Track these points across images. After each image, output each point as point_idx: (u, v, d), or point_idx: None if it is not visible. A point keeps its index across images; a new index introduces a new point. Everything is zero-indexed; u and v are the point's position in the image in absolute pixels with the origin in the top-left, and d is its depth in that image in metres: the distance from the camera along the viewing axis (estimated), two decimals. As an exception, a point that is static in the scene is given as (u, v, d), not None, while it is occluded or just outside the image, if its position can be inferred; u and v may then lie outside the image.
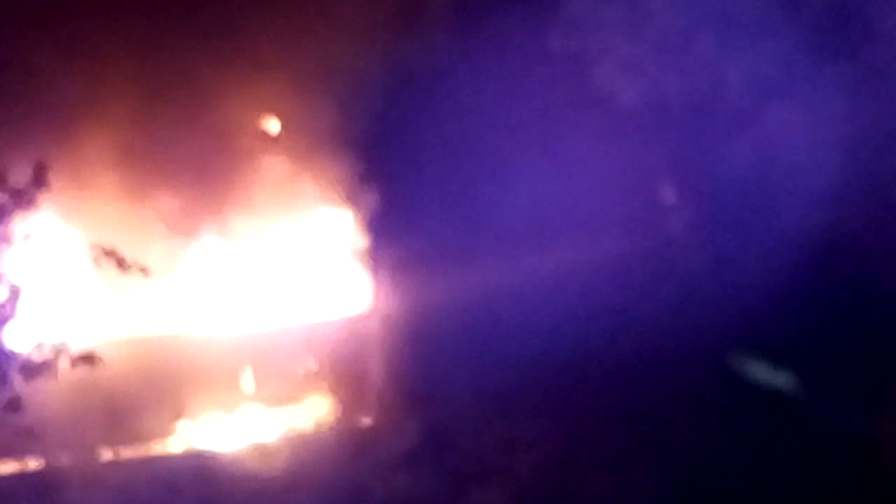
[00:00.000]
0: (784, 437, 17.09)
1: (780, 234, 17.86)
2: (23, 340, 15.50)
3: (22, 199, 15.07)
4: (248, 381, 20.96)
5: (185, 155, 22.01)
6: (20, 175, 15.26)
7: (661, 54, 18.74)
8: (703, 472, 16.54)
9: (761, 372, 17.28)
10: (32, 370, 15.43)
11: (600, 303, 17.83)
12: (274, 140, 23.19)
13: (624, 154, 18.96)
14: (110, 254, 17.90)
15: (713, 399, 17.44)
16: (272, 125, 22.74)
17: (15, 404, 15.85)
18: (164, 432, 19.89)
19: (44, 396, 16.13)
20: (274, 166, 23.11)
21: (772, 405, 17.53)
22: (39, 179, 15.31)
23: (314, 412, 19.88)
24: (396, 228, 20.25)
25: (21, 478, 18.39)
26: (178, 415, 20.14)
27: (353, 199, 21.17)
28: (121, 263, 18.07)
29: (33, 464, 18.60)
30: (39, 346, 15.62)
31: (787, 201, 17.99)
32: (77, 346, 16.40)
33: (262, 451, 18.98)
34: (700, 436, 17.27)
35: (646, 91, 18.58)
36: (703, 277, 18.67)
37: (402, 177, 20.47)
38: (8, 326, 15.36)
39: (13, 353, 15.26)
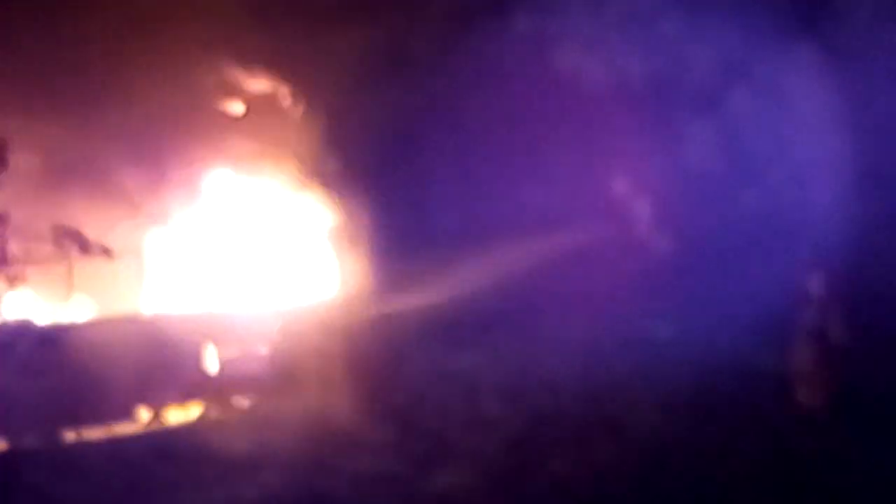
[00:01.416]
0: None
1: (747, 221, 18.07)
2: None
3: None
4: (212, 361, 20.65)
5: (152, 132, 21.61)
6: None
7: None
8: (661, 450, 16.39)
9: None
10: None
11: (559, 288, 17.76)
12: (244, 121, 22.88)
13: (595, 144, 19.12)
14: (75, 235, 17.80)
15: (668, 379, 17.10)
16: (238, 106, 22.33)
17: None
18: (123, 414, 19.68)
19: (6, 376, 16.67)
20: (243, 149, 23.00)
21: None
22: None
23: (277, 392, 19.53)
24: (370, 218, 20.06)
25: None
26: (140, 395, 19.72)
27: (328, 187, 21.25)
28: (83, 246, 17.90)
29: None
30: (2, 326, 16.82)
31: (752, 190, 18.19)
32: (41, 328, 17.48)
33: (225, 428, 18.71)
34: (659, 415, 17.15)
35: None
36: (669, 264, 18.87)
37: (377, 167, 20.48)
38: None
39: None
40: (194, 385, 20.35)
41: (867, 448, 15.43)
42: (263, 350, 20.92)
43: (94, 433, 18.45)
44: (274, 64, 21.04)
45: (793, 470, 15.51)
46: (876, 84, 17.08)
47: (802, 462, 15.51)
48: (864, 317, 16.89)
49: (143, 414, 19.70)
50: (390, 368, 18.58)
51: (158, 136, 21.82)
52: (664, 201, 17.96)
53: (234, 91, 21.69)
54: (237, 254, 23.01)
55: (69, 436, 18.20)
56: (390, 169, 19.13)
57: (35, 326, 17.79)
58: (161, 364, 20.02)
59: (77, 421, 18.37)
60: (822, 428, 16.52)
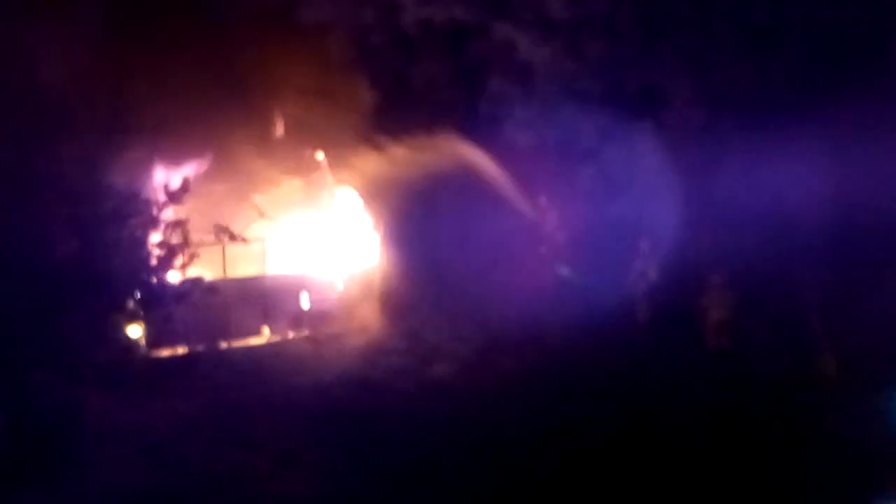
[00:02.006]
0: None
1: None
2: (175, 279, 21.68)
3: (174, 198, 21.23)
4: (305, 302, 28.52)
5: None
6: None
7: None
8: (574, 362, 23.75)
9: None
10: (179, 296, 21.77)
11: (503, 268, 26.43)
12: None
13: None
14: (226, 230, 25.31)
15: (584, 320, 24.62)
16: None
17: (168, 317, 22.01)
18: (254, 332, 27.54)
19: (188, 310, 22.85)
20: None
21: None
22: (185, 187, 21.55)
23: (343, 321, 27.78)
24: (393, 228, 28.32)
25: (173, 358, 24.93)
26: (263, 321, 27.76)
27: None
28: (232, 236, 25.46)
29: (183, 349, 25.29)
30: (183, 282, 22.09)
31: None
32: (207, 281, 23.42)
33: (312, 340, 27.12)
34: (575, 335, 24.48)
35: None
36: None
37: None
38: (168, 273, 21.30)
39: (170, 286, 21.43)
40: (294, 316, 28.38)
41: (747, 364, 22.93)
42: (334, 296, 28.99)
43: (237, 343, 26.39)
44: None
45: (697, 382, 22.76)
46: (696, 150, 24.12)
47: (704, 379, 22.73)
48: (742, 292, 24.41)
49: (266, 332, 27.64)
50: (405, 307, 27.27)
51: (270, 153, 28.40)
52: (566, 214, 26.38)
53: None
54: (320, 239, 29.89)
55: (223, 344, 25.82)
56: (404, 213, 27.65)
57: (203, 281, 22.89)
58: (275, 303, 28.15)
59: (228, 335, 26.16)
60: (720, 356, 24.17)
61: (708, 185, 23.85)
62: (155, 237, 20.97)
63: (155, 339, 24.29)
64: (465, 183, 26.72)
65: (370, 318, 27.24)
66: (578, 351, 24.22)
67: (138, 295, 20.92)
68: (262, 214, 27.63)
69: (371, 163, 27.67)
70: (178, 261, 21.47)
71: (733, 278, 24.56)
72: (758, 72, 22.82)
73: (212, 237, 25.62)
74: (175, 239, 21.40)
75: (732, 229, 23.51)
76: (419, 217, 27.23)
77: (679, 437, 20.58)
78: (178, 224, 21.69)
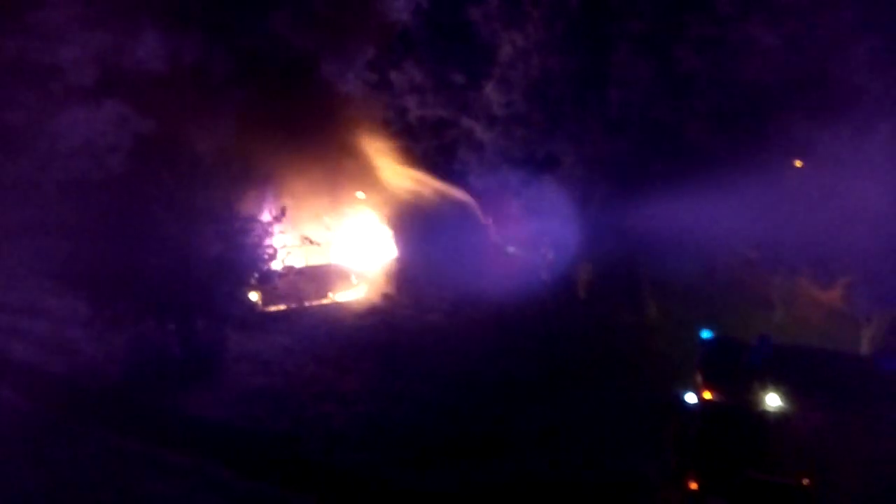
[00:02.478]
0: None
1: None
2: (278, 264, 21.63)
3: (277, 219, 21.16)
4: (354, 279, 27.94)
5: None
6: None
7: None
8: (506, 315, 24.49)
9: None
10: (281, 275, 22.09)
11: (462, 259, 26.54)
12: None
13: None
14: (306, 238, 25.37)
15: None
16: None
17: (274, 288, 22.40)
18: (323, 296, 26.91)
19: (285, 283, 23.07)
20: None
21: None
22: (283, 212, 21.45)
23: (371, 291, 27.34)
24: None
25: (277, 311, 24.83)
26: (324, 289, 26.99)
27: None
28: (310, 241, 25.57)
29: (283, 306, 25.09)
30: (283, 268, 22.32)
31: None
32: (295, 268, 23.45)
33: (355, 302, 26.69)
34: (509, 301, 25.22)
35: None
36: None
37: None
38: (273, 262, 21.33)
39: (275, 270, 21.64)
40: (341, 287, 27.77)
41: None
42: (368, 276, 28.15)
43: (314, 303, 26.27)
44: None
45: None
46: (578, 191, 24.90)
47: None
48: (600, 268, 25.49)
49: (330, 297, 27.02)
50: (410, 282, 27.10)
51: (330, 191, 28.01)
52: (505, 228, 26.86)
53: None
54: (359, 242, 28.99)
55: (306, 303, 25.77)
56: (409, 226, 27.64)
57: (294, 267, 23.09)
58: (332, 280, 27.40)
59: (308, 298, 25.99)
60: (585, 304, 25.19)
61: (584, 212, 24.47)
62: (267, 241, 20.90)
63: (266, 300, 24.26)
64: (446, 208, 27.16)
65: (389, 290, 27.20)
66: (511, 303, 24.90)
67: (257, 275, 21.02)
68: (311, 242, 26.30)
69: (390, 197, 28.06)
70: (280, 255, 21.51)
71: (595, 262, 25.16)
72: (612, 147, 23.02)
73: (298, 242, 25.90)
74: (278, 243, 21.38)
75: (596, 237, 24.15)
76: (419, 228, 27.30)
77: (565, 349, 21.84)
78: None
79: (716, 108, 20.74)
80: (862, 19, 18.72)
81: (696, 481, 14.73)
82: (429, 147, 28.60)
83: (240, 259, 20.31)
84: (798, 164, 20.60)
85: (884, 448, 13.85)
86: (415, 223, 27.17)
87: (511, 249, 26.78)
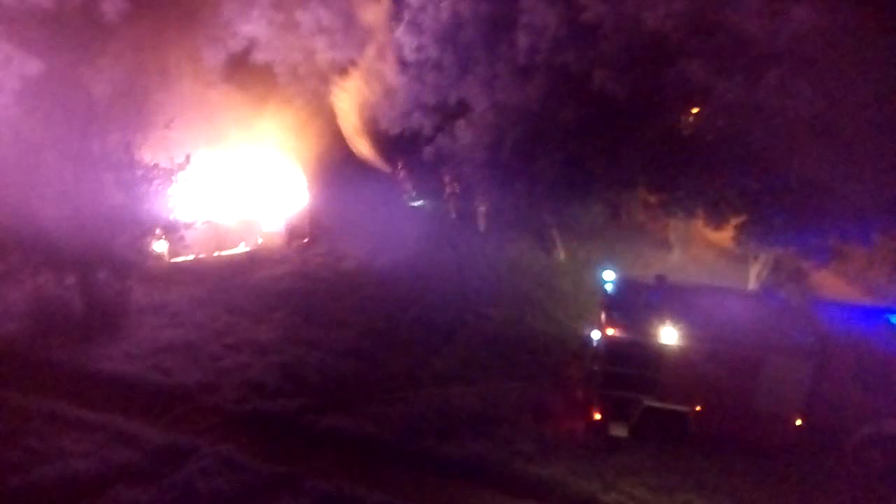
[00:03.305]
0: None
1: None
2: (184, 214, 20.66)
3: (180, 167, 20.06)
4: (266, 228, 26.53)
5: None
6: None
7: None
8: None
9: None
10: (187, 225, 20.71)
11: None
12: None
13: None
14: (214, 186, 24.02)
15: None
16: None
17: (179, 235, 20.88)
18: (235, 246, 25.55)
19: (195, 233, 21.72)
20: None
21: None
22: (187, 160, 20.21)
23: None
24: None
25: (185, 262, 23.65)
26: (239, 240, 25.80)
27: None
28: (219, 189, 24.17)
29: (191, 257, 23.89)
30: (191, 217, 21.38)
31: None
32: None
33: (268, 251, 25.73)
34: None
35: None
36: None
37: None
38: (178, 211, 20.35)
39: (182, 221, 20.53)
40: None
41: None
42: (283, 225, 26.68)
43: (225, 252, 25.13)
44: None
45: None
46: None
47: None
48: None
49: (241, 246, 25.62)
50: (325, 231, 26.62)
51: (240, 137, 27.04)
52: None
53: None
54: (267, 188, 27.11)
55: (216, 253, 24.73)
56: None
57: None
58: (244, 228, 25.93)
59: (219, 248, 24.92)
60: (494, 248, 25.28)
61: (495, 158, 23.56)
62: (171, 190, 20.07)
63: (174, 251, 23.31)
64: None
65: (303, 238, 26.56)
66: (425, 251, 25.16)
67: (161, 225, 20.21)
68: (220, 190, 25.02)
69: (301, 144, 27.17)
70: (186, 204, 20.68)
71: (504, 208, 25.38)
72: (521, 93, 22.69)
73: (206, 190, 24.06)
74: (183, 191, 20.39)
75: (506, 183, 23.76)
76: (332, 177, 26.86)
77: (477, 292, 22.12)
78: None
79: (619, 56, 21.16)
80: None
81: (600, 411, 15.72)
82: (338, 91, 27.69)
83: (142, 208, 19.43)
84: (695, 110, 21.38)
85: (766, 371, 14.84)
86: (327, 171, 26.51)
87: (418, 202, 26.51)
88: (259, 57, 27.30)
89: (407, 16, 25.18)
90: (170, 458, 14.61)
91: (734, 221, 20.33)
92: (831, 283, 23.03)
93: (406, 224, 26.59)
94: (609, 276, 16.93)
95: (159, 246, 21.97)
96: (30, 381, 16.79)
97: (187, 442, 15.16)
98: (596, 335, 16.40)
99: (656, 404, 15.55)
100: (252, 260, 24.73)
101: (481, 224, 26.69)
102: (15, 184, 17.74)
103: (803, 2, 17.61)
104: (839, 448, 15.03)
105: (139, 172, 19.32)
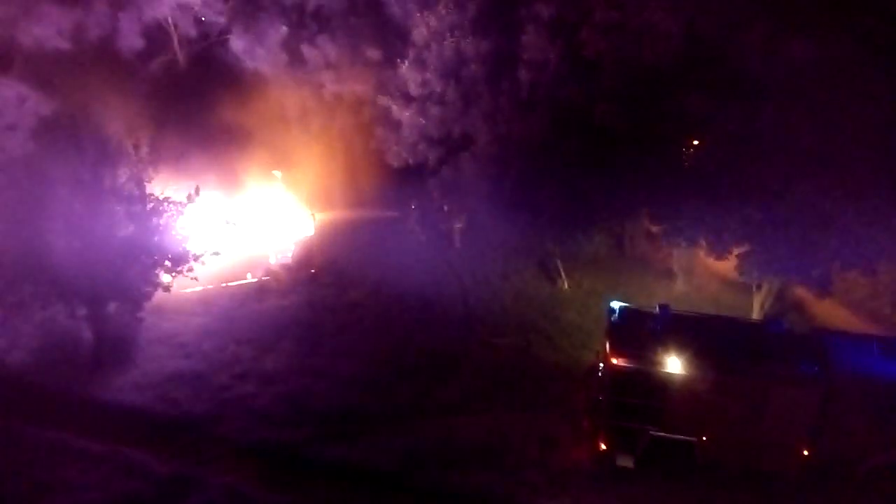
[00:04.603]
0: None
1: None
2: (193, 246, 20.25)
3: (190, 199, 19.78)
4: (273, 259, 25.74)
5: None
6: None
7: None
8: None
9: None
10: (195, 257, 20.23)
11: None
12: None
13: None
14: (223, 219, 23.00)
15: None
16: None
17: (188, 266, 20.09)
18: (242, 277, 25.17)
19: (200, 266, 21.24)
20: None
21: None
22: (197, 192, 20.09)
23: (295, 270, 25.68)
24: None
25: (194, 293, 22.95)
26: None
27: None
28: (227, 222, 23.13)
29: (199, 287, 22.78)
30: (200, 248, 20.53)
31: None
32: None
33: (275, 282, 24.92)
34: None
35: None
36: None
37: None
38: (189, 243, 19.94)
39: (189, 252, 20.07)
40: (266, 267, 25.58)
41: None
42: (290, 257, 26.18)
43: (233, 283, 24.67)
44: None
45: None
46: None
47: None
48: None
49: (249, 276, 25.04)
50: (331, 263, 25.81)
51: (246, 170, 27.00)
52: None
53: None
54: (272, 220, 27.12)
55: (223, 284, 24.17)
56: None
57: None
58: (251, 260, 25.60)
59: (228, 279, 24.41)
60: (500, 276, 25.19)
61: (498, 189, 23.99)
62: (180, 222, 19.93)
63: (183, 282, 21.74)
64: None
65: (309, 269, 25.72)
66: (430, 281, 24.64)
67: (171, 256, 19.88)
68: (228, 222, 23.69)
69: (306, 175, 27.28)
70: (195, 236, 20.43)
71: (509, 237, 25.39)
72: (524, 126, 23.13)
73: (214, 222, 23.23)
74: (192, 224, 20.30)
75: (510, 213, 23.99)
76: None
77: (483, 322, 21.89)
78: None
79: (619, 90, 21.35)
80: (753, 9, 19.40)
81: (606, 441, 15.54)
82: (345, 125, 28.13)
83: (152, 240, 19.41)
84: (695, 141, 21.50)
85: (772, 402, 14.69)
86: (334, 204, 26.51)
87: (423, 237, 26.62)
88: (267, 92, 27.76)
89: (412, 52, 25.67)
90: (176, 490, 14.49)
91: (736, 251, 20.34)
92: (836, 313, 22.85)
93: (411, 255, 26.27)
94: (614, 306, 16.81)
95: (168, 277, 21.34)
96: (38, 412, 16.67)
97: (193, 473, 15.01)
98: (601, 365, 16.26)
99: (662, 434, 15.35)
100: (259, 290, 24.45)
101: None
102: (28, 217, 17.89)
103: (800, 36, 17.90)
104: (849, 478, 14.76)
105: (150, 205, 19.38)
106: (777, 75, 18.26)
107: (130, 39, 24.09)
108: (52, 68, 21.71)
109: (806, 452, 14.90)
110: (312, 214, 26.72)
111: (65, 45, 21.59)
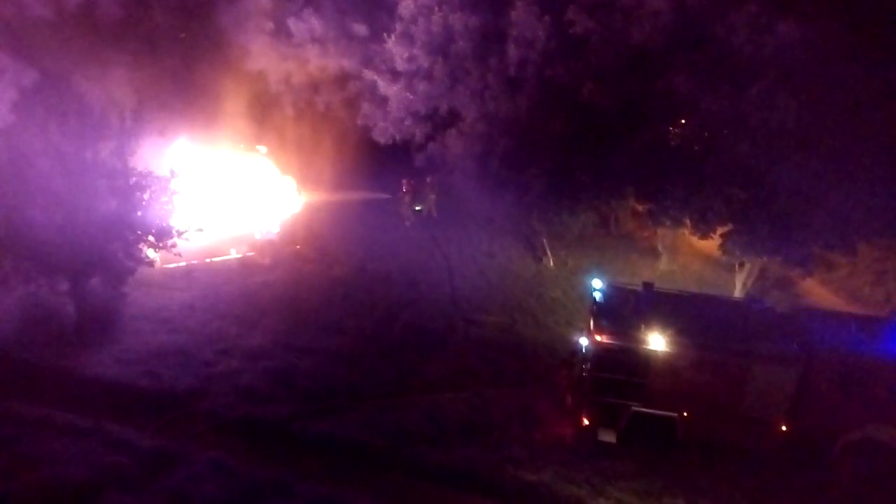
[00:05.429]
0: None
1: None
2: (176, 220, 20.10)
3: (173, 174, 19.49)
4: (258, 234, 25.46)
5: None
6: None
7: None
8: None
9: None
10: (180, 232, 20.07)
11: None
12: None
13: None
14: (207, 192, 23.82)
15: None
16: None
17: (172, 242, 19.91)
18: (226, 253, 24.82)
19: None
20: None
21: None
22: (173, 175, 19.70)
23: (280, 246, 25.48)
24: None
25: (178, 268, 22.61)
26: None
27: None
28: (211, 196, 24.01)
29: (183, 263, 22.44)
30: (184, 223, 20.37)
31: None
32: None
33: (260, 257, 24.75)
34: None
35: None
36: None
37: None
38: (173, 218, 19.84)
39: (174, 227, 19.87)
40: (251, 242, 25.38)
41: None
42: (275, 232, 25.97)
43: (216, 259, 24.49)
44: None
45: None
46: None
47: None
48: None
49: (233, 252, 25.00)
50: (317, 239, 25.85)
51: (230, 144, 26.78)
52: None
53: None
54: (257, 195, 26.63)
55: (207, 259, 23.96)
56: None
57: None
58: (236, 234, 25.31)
59: (211, 255, 24.24)
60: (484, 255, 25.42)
61: (484, 167, 23.87)
62: (164, 197, 19.71)
63: (166, 257, 21.76)
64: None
65: (294, 244, 25.77)
66: (416, 258, 24.86)
67: (154, 231, 19.72)
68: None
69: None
70: (180, 212, 20.27)
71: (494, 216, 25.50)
72: (511, 104, 23.03)
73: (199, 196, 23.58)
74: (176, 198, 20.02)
75: (495, 191, 24.02)
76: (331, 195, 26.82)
77: (469, 300, 21.89)
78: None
79: (607, 69, 21.28)
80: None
81: (589, 417, 15.73)
82: (331, 101, 27.85)
83: (135, 215, 19.21)
84: (682, 121, 21.56)
85: (752, 378, 14.94)
86: (320, 179, 26.22)
87: (418, 207, 26.45)
88: (252, 66, 27.29)
89: (399, 27, 25.40)
90: (161, 464, 14.49)
91: (720, 230, 20.59)
92: (817, 291, 23.21)
93: (397, 231, 26.38)
94: (598, 284, 16.97)
95: (152, 252, 21.08)
96: (22, 387, 16.55)
97: (178, 447, 15.03)
98: (585, 342, 16.44)
99: (644, 410, 15.55)
100: (244, 266, 24.31)
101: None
102: (8, 191, 17.63)
103: (788, 16, 17.92)
104: (825, 453, 15.04)
105: (132, 180, 19.13)
106: (764, 56, 18.31)
107: (112, 8, 23.22)
108: (31, 37, 20.86)
109: (784, 428, 15.16)
110: (298, 190, 26.47)
111: (45, 13, 21.06)
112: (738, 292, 21.30)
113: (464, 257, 25.39)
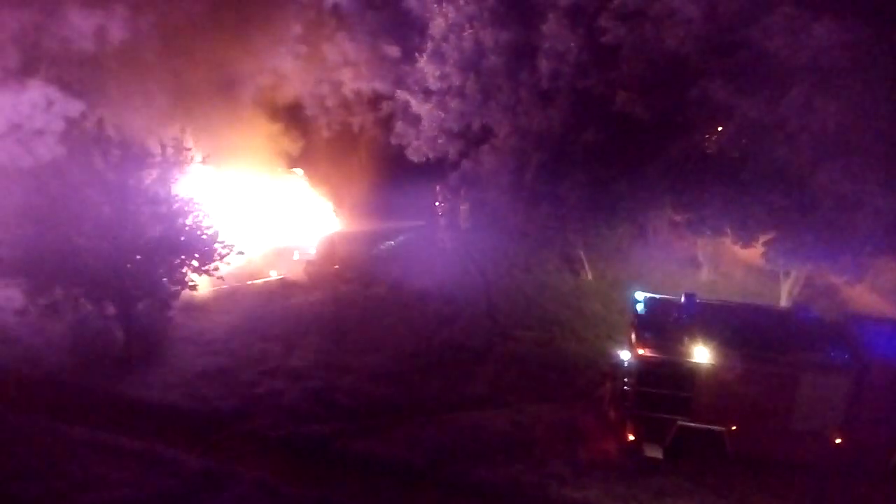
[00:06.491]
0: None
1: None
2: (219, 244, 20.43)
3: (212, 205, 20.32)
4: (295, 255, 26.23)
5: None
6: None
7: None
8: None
9: None
10: (222, 256, 20.44)
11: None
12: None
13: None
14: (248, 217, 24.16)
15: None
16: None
17: (216, 268, 20.35)
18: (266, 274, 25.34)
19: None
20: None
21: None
22: (221, 193, 21.39)
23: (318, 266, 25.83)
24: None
25: (221, 291, 23.11)
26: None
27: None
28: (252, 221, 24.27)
29: (226, 286, 22.86)
30: (226, 247, 20.64)
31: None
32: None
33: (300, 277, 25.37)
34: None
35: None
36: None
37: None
38: (216, 242, 20.07)
39: (217, 250, 20.25)
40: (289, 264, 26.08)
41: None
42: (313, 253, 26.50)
43: (257, 280, 24.90)
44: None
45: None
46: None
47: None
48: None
49: (273, 274, 25.39)
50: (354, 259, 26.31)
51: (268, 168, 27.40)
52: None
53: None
54: (295, 217, 27.46)
55: (248, 282, 24.48)
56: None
57: (234, 245, 21.66)
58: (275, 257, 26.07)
59: (252, 277, 24.68)
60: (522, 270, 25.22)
61: (519, 181, 23.67)
62: (207, 222, 20.13)
63: (210, 280, 22.05)
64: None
65: (333, 265, 25.90)
66: (453, 275, 24.81)
67: (198, 256, 19.98)
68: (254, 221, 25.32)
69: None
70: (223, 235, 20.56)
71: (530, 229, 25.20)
72: (544, 117, 22.85)
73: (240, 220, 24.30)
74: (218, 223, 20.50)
75: (532, 205, 23.72)
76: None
77: (507, 315, 21.81)
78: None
79: (640, 77, 21.10)
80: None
81: (633, 432, 15.41)
82: (365, 121, 28.09)
83: (178, 240, 19.58)
84: (719, 128, 21.21)
85: (802, 390, 14.53)
86: (357, 200, 26.49)
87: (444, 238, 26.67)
88: (288, 90, 27.81)
89: (430, 45, 25.57)
90: (208, 485, 14.63)
91: (763, 238, 20.07)
92: (865, 298, 22.56)
93: (433, 248, 26.43)
94: (639, 296, 16.69)
95: (195, 276, 21.36)
96: (72, 411, 16.96)
97: (224, 468, 15.16)
98: (627, 355, 16.16)
99: (691, 424, 15.19)
100: (284, 287, 24.60)
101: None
102: (57, 221, 18.15)
103: (824, 17, 17.51)
104: (881, 466, 14.56)
105: (175, 205, 19.52)
106: (800, 58, 17.90)
107: (152, 41, 23.78)
108: (76, 70, 21.73)
109: (838, 441, 14.67)
110: (335, 211, 26.72)
111: (89, 47, 21.78)
112: (783, 301, 20.72)
113: (500, 272, 25.27)
